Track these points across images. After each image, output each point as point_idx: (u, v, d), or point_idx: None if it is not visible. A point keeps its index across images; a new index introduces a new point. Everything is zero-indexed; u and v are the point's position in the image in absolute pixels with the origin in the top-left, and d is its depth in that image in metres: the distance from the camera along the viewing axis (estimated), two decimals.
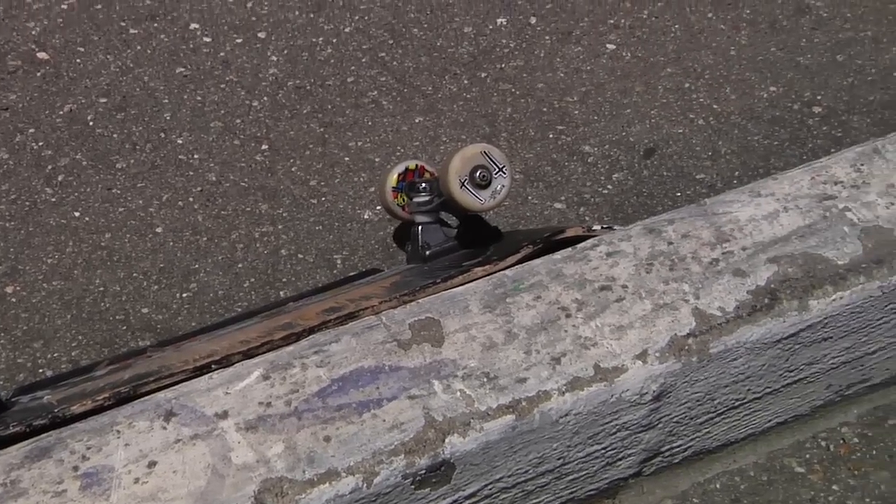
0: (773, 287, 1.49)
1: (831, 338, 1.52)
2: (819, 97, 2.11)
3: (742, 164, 2.01)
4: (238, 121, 2.11)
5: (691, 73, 2.17)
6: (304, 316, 1.50)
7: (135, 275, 1.86)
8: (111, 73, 2.20)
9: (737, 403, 1.53)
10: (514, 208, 1.95)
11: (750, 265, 1.51)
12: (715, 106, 2.11)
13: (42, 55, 2.23)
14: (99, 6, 2.32)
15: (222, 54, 2.22)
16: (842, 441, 1.60)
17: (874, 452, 1.58)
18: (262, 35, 2.26)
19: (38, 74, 2.19)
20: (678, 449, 1.53)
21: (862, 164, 1.65)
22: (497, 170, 1.62)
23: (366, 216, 1.95)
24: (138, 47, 2.24)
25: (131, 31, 2.27)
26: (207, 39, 2.25)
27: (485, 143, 1.63)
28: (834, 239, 1.54)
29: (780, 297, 1.48)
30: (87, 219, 1.95)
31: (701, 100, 2.12)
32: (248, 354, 1.38)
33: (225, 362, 1.37)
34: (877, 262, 1.51)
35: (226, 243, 1.91)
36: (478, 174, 1.60)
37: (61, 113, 2.12)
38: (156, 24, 2.28)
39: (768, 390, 1.54)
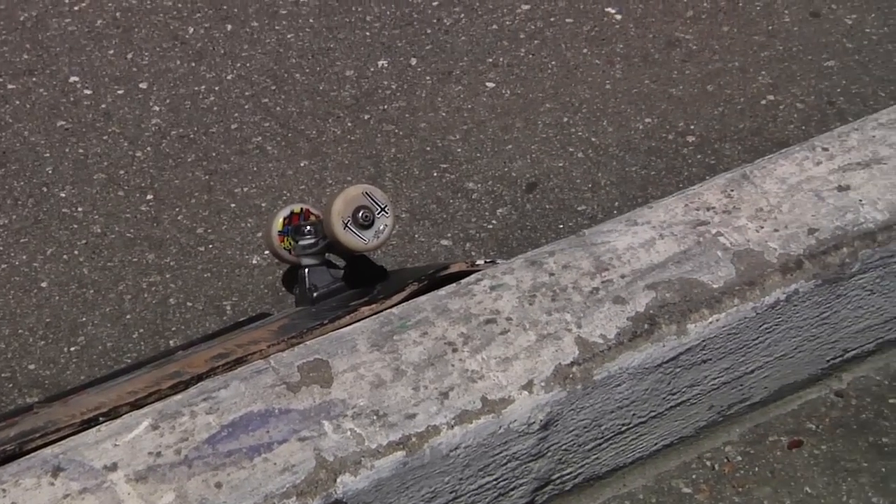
0: (652, 313, 1.52)
1: (710, 360, 1.56)
2: (692, 127, 2.16)
3: (621, 195, 2.05)
4: (122, 172, 2.10)
5: (569, 108, 2.21)
6: (192, 364, 1.50)
7: (20, 331, 1.84)
8: None
9: (623, 428, 1.56)
10: (400, 247, 1.97)
11: (629, 292, 1.55)
12: (593, 139, 2.15)
13: None
14: None
15: (104, 106, 2.21)
16: (726, 460, 1.64)
17: (756, 469, 1.62)
18: (143, 86, 2.25)
19: None
20: (569, 476, 1.55)
21: (732, 190, 1.70)
22: (379, 209, 1.64)
23: (254, 261, 1.96)
24: (17, 102, 2.22)
25: (9, 86, 2.25)
26: (88, 92, 2.24)
27: (366, 184, 1.66)
28: (708, 263, 1.58)
29: (659, 323, 1.51)
30: None
31: (579, 133, 2.16)
32: (137, 405, 1.37)
33: (113, 414, 1.36)
34: (749, 284, 1.56)
35: (113, 295, 1.90)
36: (360, 215, 1.62)
37: None
38: (34, 79, 2.26)
39: (653, 414, 1.57)
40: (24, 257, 1.95)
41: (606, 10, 2.41)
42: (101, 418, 1.35)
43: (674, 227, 1.64)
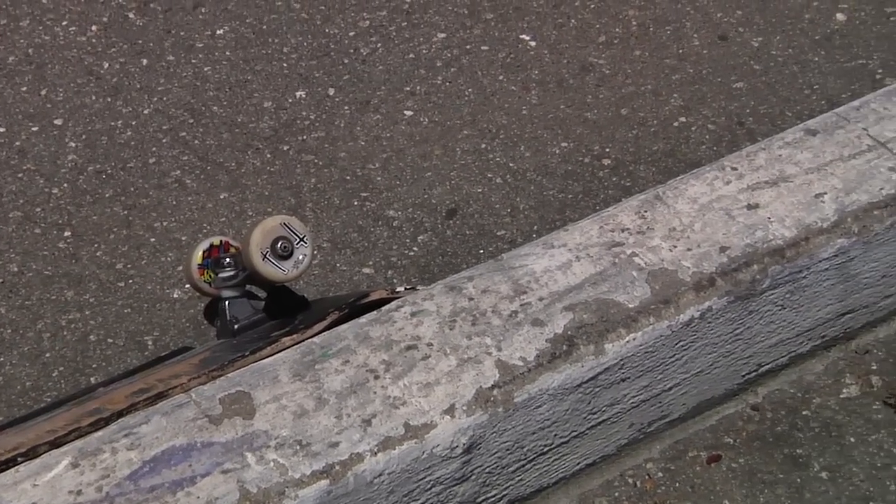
0: (570, 334, 1.54)
1: (629, 378, 1.59)
2: (607, 150, 2.19)
3: (540, 219, 2.07)
4: (38, 209, 2.08)
5: (487, 134, 2.23)
6: (112, 400, 1.49)
7: None
8: None
9: (546, 449, 1.58)
10: (322, 276, 1.98)
11: (547, 315, 1.57)
12: (511, 164, 2.18)
13: None
14: None
15: (18, 143, 2.20)
16: (647, 476, 1.66)
17: (677, 485, 1.64)
18: (58, 122, 2.24)
19: None
20: (493, 499, 1.57)
21: (646, 211, 1.73)
22: (298, 240, 1.65)
23: (175, 295, 1.95)
24: None
25: None
26: (1, 129, 2.23)
27: (284, 215, 1.66)
28: (624, 283, 1.61)
29: (578, 343, 1.54)
30: None
31: (497, 159, 2.19)
32: (56, 444, 1.36)
33: (32, 454, 1.35)
34: (664, 302, 1.59)
35: (31, 333, 1.88)
36: (279, 245, 1.63)
37: None
38: None
39: (574, 433, 1.59)
40: None
41: (521, 37, 2.44)
42: (19, 458, 1.34)
43: (590, 249, 1.67)
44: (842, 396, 1.78)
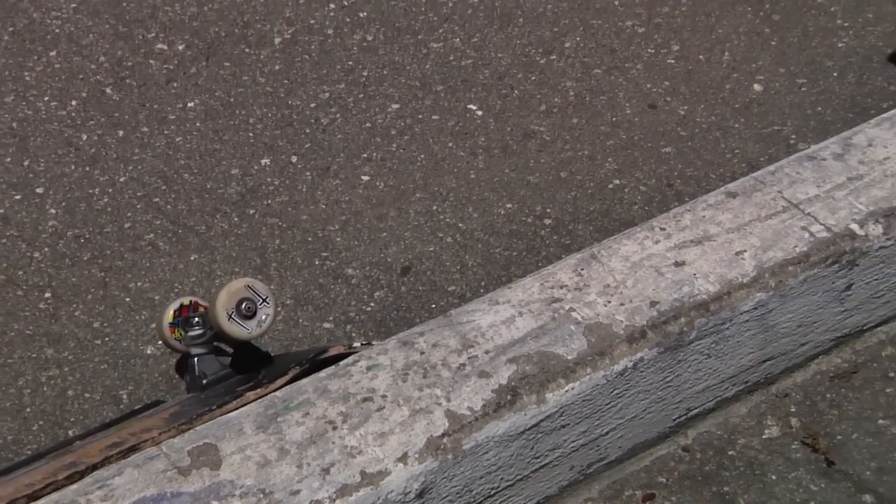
0: (514, 384, 1.55)
1: (568, 424, 1.59)
2: (548, 210, 2.21)
3: (487, 275, 2.08)
4: (20, 272, 2.07)
5: (438, 197, 2.24)
6: (88, 453, 1.48)
7: None
8: None
9: (493, 492, 1.58)
10: (286, 331, 1.98)
11: (493, 367, 1.57)
12: (460, 224, 2.19)
13: None
14: None
15: (1, 211, 2.18)
16: None
17: None
18: (39, 190, 2.23)
19: None
20: None
21: (582, 269, 1.74)
22: (261, 300, 1.65)
23: (148, 351, 1.94)
24: None
25: None
26: None
27: (248, 278, 1.67)
28: (563, 337, 1.62)
29: (521, 393, 1.54)
30: None
31: (448, 220, 2.20)
32: (33, 497, 1.35)
33: None
34: (600, 354, 1.60)
35: (13, 390, 1.87)
36: (243, 306, 1.63)
37: None
38: None
39: (519, 477, 1.59)
40: None
41: (468, 107, 2.45)
42: None
43: (531, 305, 1.68)
44: (764, 437, 1.80)
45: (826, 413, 1.82)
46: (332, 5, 2.67)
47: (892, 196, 1.88)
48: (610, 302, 1.68)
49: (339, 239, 2.16)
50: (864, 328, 1.94)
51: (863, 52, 2.57)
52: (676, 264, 1.75)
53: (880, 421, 1.81)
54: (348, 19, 2.64)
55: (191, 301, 1.82)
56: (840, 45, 2.59)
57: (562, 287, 1.72)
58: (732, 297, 1.72)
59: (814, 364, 1.90)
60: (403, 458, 1.45)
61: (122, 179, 2.27)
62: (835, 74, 2.51)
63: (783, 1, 2.70)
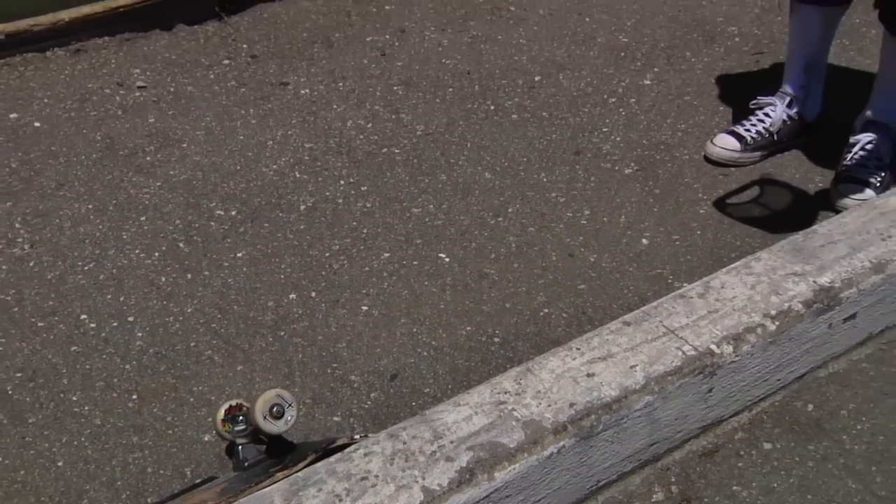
0: (472, 466, 1.56)
1: (511, 495, 1.60)
2: (497, 332, 2.23)
3: (453, 381, 2.10)
4: (115, 380, 2.08)
5: (417, 322, 2.26)
6: None
7: (42, 499, 1.79)
8: (25, 354, 2.14)
9: None
10: (306, 423, 1.98)
11: (456, 453, 1.59)
12: (433, 342, 2.20)
13: None
14: (14, 308, 2.27)
15: (103, 335, 2.20)
16: None
17: None
18: (130, 318, 2.25)
19: None
20: None
21: (521, 379, 1.76)
22: (288, 405, 1.67)
23: (206, 439, 1.94)
24: (44, 335, 2.20)
25: (39, 323, 2.23)
26: (93, 325, 2.22)
27: (279, 388, 1.69)
28: (507, 430, 1.63)
29: (476, 473, 1.56)
30: (6, 461, 1.87)
31: (424, 339, 2.21)
32: None
33: None
34: (533, 443, 1.61)
35: (108, 468, 1.86)
36: (274, 409, 1.65)
37: None
38: (55, 318, 2.24)
39: None
40: (46, 444, 1.91)
41: (439, 255, 2.48)
42: None
43: (484, 406, 1.69)
44: (652, 500, 1.80)
45: (696, 482, 1.83)
46: (341, 182, 2.72)
47: (738, 325, 1.91)
48: (541, 404, 1.70)
49: (345, 353, 2.17)
50: (722, 419, 1.95)
51: (717, 216, 2.62)
52: (588, 375, 1.77)
53: (734, 487, 1.81)
54: (353, 192, 2.69)
55: (237, 402, 1.83)
56: (701, 211, 2.64)
57: (506, 392, 1.73)
58: (629, 399, 1.73)
59: (687, 445, 1.91)
60: None
61: (189, 310, 2.29)
62: (698, 233, 2.56)
63: (661, 179, 2.76)
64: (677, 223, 2.58)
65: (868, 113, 2.72)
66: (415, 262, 2.45)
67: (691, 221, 2.59)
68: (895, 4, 2.47)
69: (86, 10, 3.07)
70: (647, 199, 2.67)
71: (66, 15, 3.04)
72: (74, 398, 2.03)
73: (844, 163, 2.68)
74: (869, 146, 2.67)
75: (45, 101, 2.90)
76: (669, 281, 2.38)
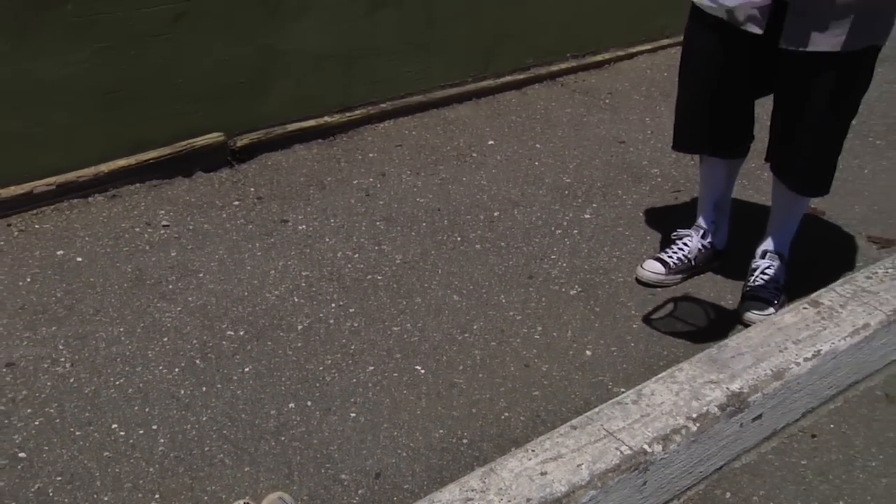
0: None
1: None
2: (465, 433, 2.27)
3: (429, 478, 2.12)
4: (140, 481, 2.09)
5: (397, 426, 2.29)
6: None
7: None
8: (64, 460, 2.15)
9: None
10: None
11: None
12: (411, 444, 2.24)
13: (22, 454, 2.18)
14: (56, 419, 2.29)
15: (131, 441, 2.20)
16: None
17: None
18: (154, 427, 2.26)
19: (18, 467, 2.14)
20: None
21: (486, 478, 1.82)
22: None
23: None
24: (81, 443, 2.20)
25: (77, 432, 2.24)
26: (122, 433, 2.23)
27: (280, 491, 1.73)
28: None
29: None
30: None
31: (403, 440, 2.24)
32: None
33: None
34: None
35: None
36: None
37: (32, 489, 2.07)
38: (91, 427, 2.25)
39: None
40: None
41: (416, 367, 2.53)
42: None
43: (454, 502, 1.74)
44: None
45: None
46: (332, 305, 2.80)
47: (666, 427, 1.99)
48: (503, 499, 1.75)
49: (336, 455, 2.20)
50: None
51: (647, 330, 2.71)
52: (542, 474, 1.83)
53: None
54: (342, 313, 2.76)
55: (245, 501, 1.85)
56: (634, 326, 2.74)
57: (472, 490, 1.78)
58: (576, 494, 1.79)
59: None
60: None
61: (204, 419, 2.31)
62: (632, 344, 2.65)
63: (601, 299, 2.86)
64: (615, 336, 2.66)
65: (765, 243, 2.88)
66: (395, 374, 2.49)
67: (626, 335, 2.68)
68: (778, 157, 2.66)
69: (121, 162, 3.20)
70: (589, 316, 2.76)
71: (105, 167, 3.17)
72: (106, 498, 2.05)
73: (748, 284, 2.83)
74: (768, 270, 2.82)
75: (86, 239, 2.99)
76: (609, 387, 2.45)
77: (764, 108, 2.70)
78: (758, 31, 2.38)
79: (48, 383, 2.40)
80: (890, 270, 2.67)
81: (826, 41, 2.29)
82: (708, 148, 2.83)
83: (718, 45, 2.50)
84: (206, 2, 3.29)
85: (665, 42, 4.98)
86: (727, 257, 3.05)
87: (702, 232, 3.01)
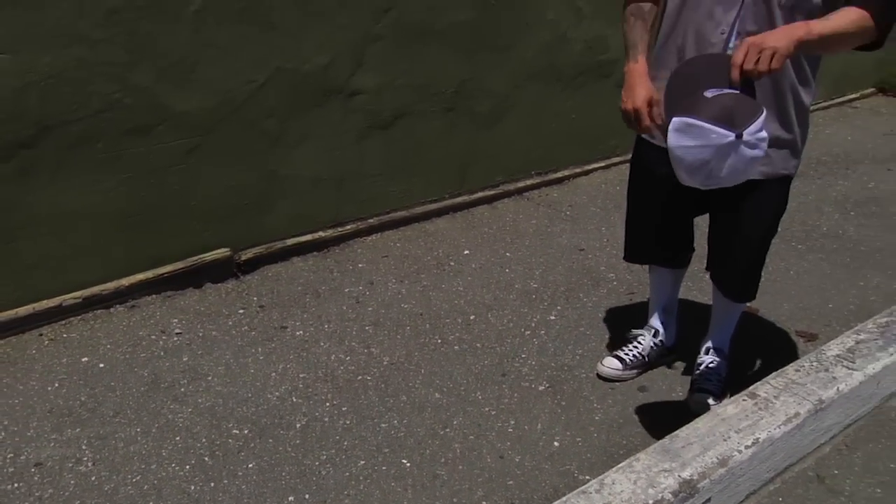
0: None
1: None
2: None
3: None
4: None
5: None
6: None
7: None
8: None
9: None
10: None
11: None
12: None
13: None
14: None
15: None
16: None
17: None
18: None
19: None
20: None
21: None
22: None
23: None
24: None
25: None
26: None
27: None
28: None
29: None
30: None
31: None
32: None
33: None
34: None
35: None
36: None
37: None
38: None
39: None
40: None
41: (402, 461, 2.54)
42: None
43: None
44: None
45: None
46: (327, 404, 2.83)
47: None
48: None
49: None
50: None
51: (609, 421, 2.78)
52: None
53: None
54: (336, 412, 2.80)
55: None
56: (597, 418, 2.80)
57: None
58: None
59: None
60: None
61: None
62: (595, 435, 2.71)
63: (566, 394, 2.93)
64: (579, 427, 2.72)
65: (708, 340, 3.01)
66: (384, 467, 2.51)
67: (590, 426, 2.74)
68: (715, 269, 2.82)
69: (140, 276, 3.30)
70: (556, 410, 2.82)
71: (126, 281, 3.28)
72: None
73: (695, 378, 2.94)
74: (711, 365, 2.94)
75: (108, 346, 3.05)
76: (575, 475, 2.49)
77: (703, 218, 2.85)
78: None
79: (72, 482, 2.41)
80: (815, 363, 2.79)
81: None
82: (654, 260, 2.98)
83: (661, 170, 2.66)
84: (216, 136, 3.47)
85: (616, 159, 5.23)
86: (676, 353, 3.16)
87: (653, 331, 3.13)
